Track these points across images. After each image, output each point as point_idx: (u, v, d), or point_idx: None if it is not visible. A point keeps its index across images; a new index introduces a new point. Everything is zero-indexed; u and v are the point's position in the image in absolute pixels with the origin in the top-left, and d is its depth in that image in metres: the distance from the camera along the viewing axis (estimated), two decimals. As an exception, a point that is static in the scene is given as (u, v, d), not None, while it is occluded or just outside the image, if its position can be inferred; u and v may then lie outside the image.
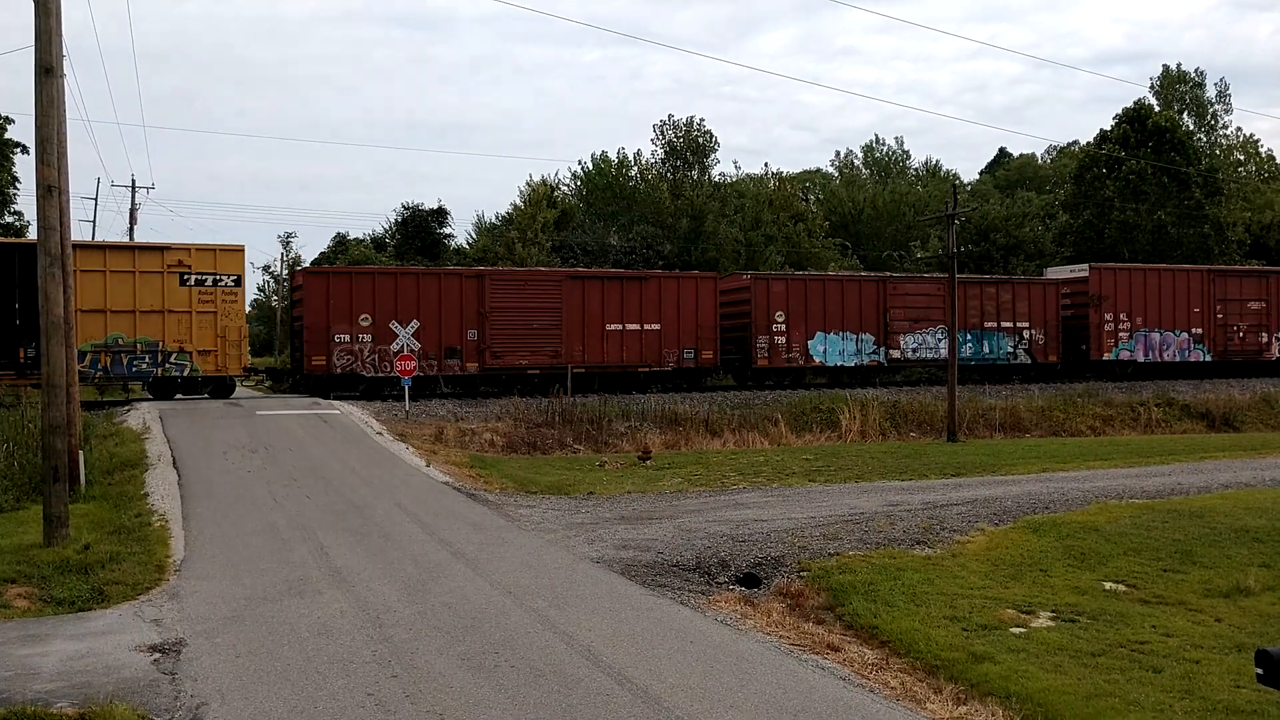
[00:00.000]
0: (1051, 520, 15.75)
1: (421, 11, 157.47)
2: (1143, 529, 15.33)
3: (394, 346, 30.69)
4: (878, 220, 63.56)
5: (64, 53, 14.16)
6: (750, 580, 12.70)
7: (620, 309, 33.20)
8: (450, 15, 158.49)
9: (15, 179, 39.94)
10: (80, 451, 17.31)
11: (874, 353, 36.54)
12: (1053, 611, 11.61)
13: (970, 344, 37.75)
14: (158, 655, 9.12)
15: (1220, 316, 41.43)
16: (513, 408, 28.63)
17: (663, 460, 23.51)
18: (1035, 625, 11.12)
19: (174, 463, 19.45)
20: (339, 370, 30.38)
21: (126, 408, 27.12)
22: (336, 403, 28.90)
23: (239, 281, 29.35)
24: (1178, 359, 40.79)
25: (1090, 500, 17.39)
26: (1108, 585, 12.87)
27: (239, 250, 29.81)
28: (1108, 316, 39.63)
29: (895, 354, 36.78)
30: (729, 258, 48.81)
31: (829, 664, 9.52)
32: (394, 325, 30.87)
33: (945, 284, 37.23)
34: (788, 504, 17.14)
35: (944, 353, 36.24)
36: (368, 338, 30.56)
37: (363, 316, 30.50)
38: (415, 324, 31.07)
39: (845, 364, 36.28)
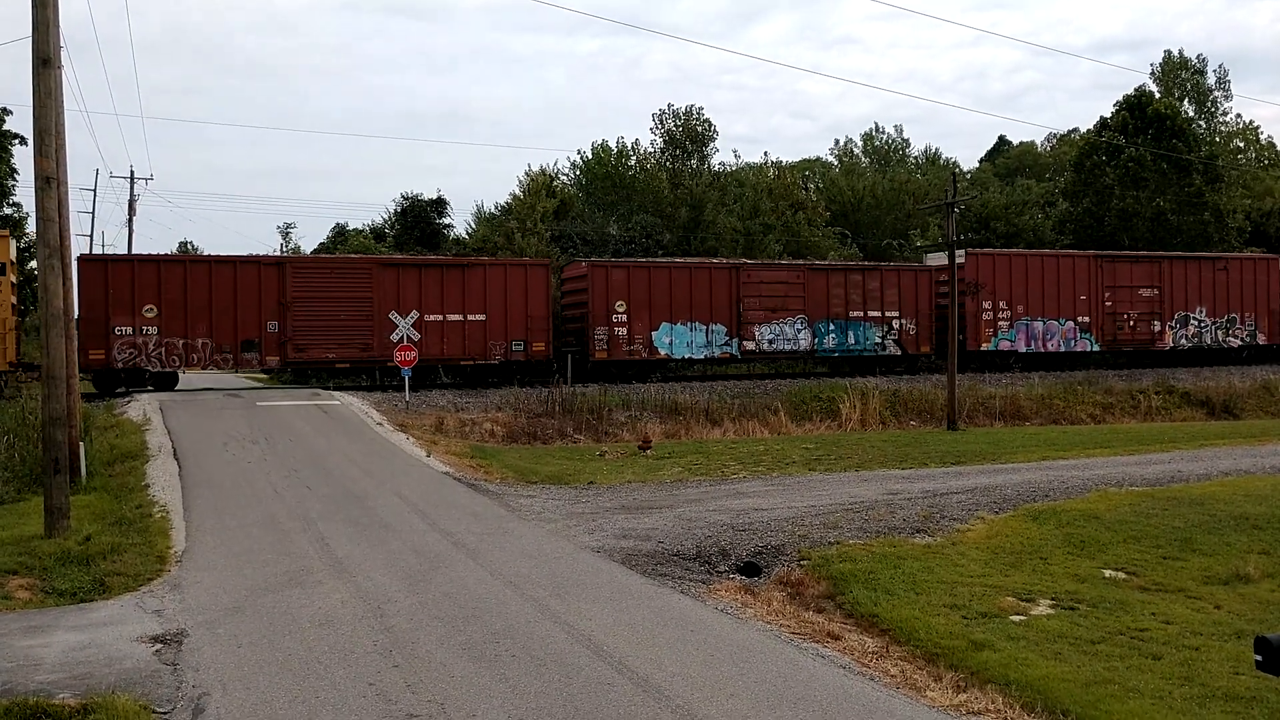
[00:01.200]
0: (1051, 508, 15.78)
1: (419, 1, 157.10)
2: (1142, 516, 15.35)
3: (394, 336, 30.61)
4: (877, 209, 63.43)
5: (61, 44, 14.14)
6: (751, 569, 12.72)
7: (440, 298, 31.35)
8: (448, 5, 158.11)
9: (14, 171, 39.84)
10: (81, 443, 17.33)
11: (726, 344, 34.44)
12: (1052, 599, 11.63)
13: (834, 334, 35.84)
14: (159, 646, 9.14)
15: (1109, 304, 39.25)
16: (513, 398, 28.67)
17: (663, 450, 23.53)
18: (1035, 613, 11.15)
19: (174, 454, 19.47)
20: (120, 364, 29.08)
21: (127, 399, 27.13)
22: (336, 393, 28.91)
23: (3, 270, 27.70)
24: (1063, 349, 38.75)
25: (1090, 488, 17.42)
26: (1107, 573, 12.90)
27: (3, 237, 28.42)
28: (986, 305, 37.38)
29: (749, 345, 34.69)
30: (728, 247, 48.74)
31: (829, 652, 9.54)
32: (394, 316, 30.79)
33: (804, 271, 36.03)
34: (788, 493, 17.17)
35: (803, 344, 35.26)
36: (153, 330, 29.29)
37: (147, 308, 29.23)
38: (414, 314, 30.96)
39: (694, 356, 34.42)
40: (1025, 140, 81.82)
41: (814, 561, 12.71)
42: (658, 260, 37.70)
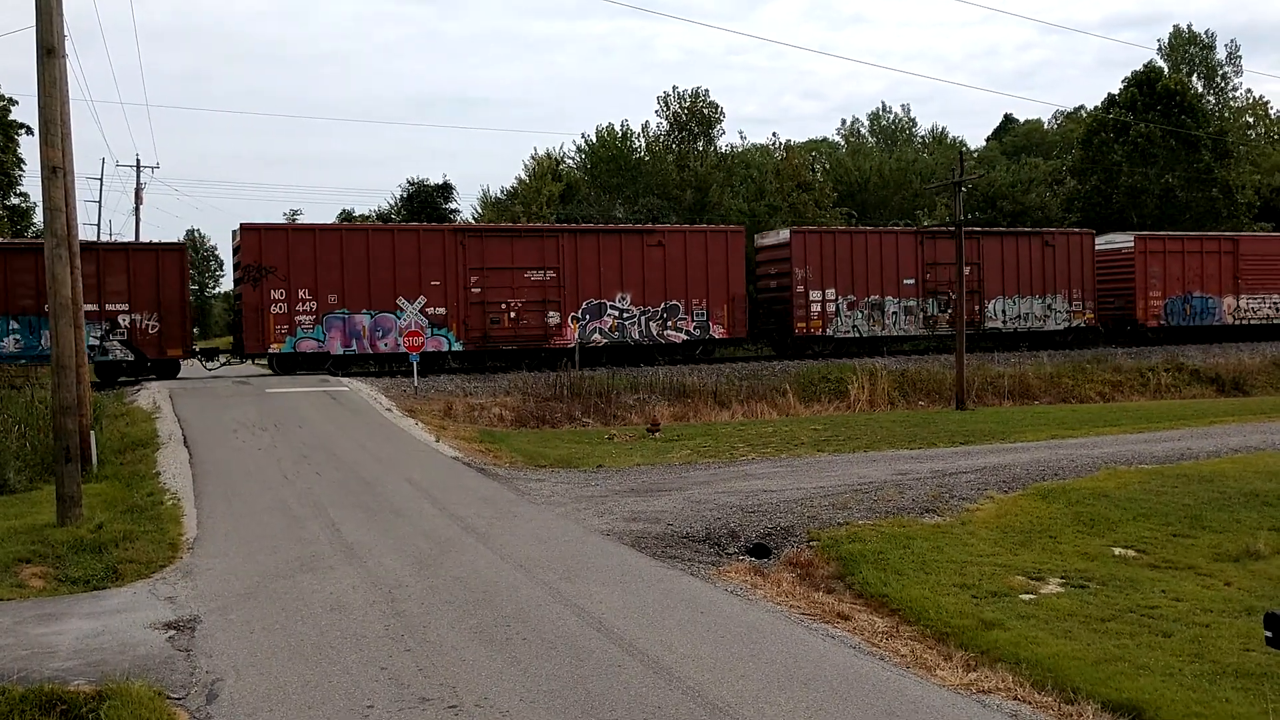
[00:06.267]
0: (1061, 487, 15.76)
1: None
2: (1152, 494, 15.34)
3: (402, 322, 30.58)
4: (884, 189, 63.26)
5: (66, 33, 14.12)
6: (760, 550, 12.75)
7: None
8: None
9: (20, 160, 39.95)
10: (91, 432, 17.38)
11: None
12: (1062, 577, 11.63)
13: (17, 335, 27.91)
14: (172, 632, 9.19)
15: (477, 291, 31.36)
16: (521, 382, 28.70)
17: (671, 432, 23.55)
18: (1045, 591, 11.15)
19: (185, 441, 19.53)
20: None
21: (137, 388, 27.21)
22: (345, 380, 28.95)
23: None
24: (401, 349, 30.12)
25: (1099, 466, 17.40)
26: (1117, 551, 12.89)
27: None
28: (278, 295, 29.57)
29: None
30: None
31: (839, 633, 9.56)
32: (401, 301, 30.76)
33: None
34: (796, 474, 17.17)
35: None
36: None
37: None
38: (422, 299, 30.91)
39: None
40: (1032, 118, 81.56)
41: (823, 542, 12.72)
42: None
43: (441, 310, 31.19)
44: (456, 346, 31.40)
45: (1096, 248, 40.08)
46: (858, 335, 36.09)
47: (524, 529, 13.12)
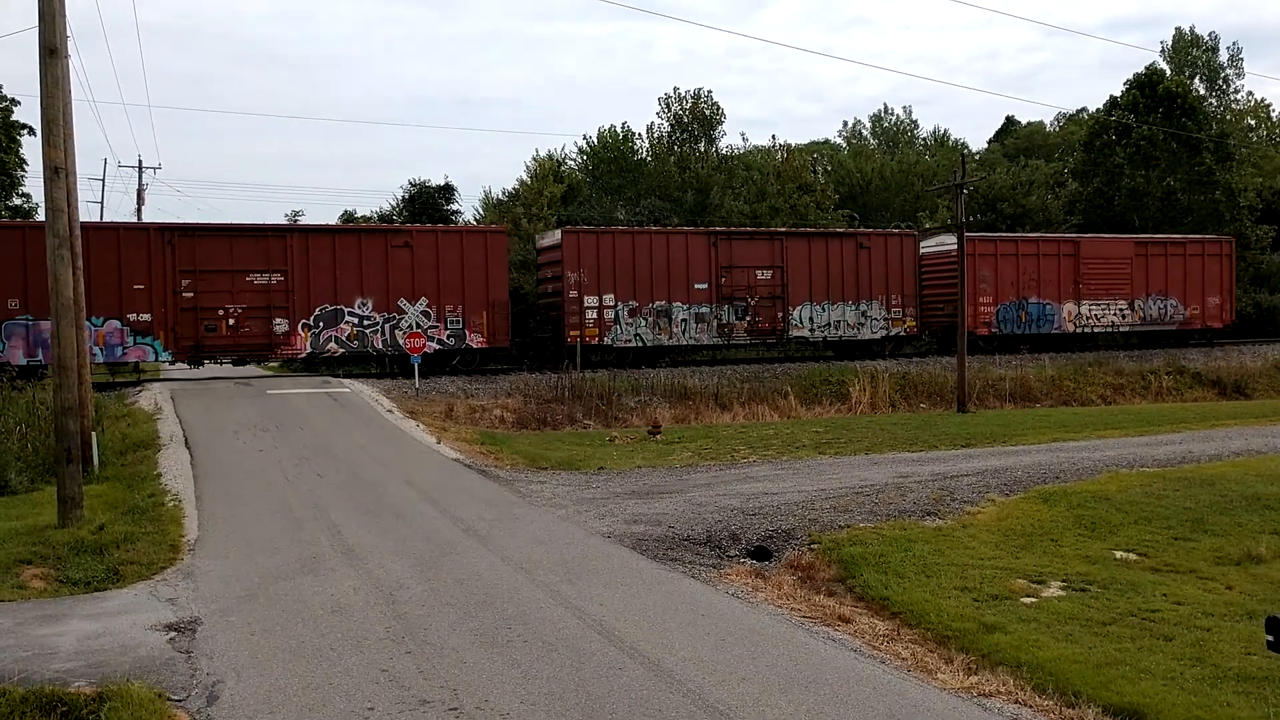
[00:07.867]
0: (1062, 490, 15.76)
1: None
2: (1153, 497, 15.33)
3: (404, 323, 30.51)
4: (886, 191, 63.26)
5: (68, 33, 14.13)
6: (761, 553, 12.75)
7: None
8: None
9: (23, 161, 39.95)
10: (93, 433, 17.39)
11: None
12: (1063, 581, 11.63)
13: None
14: (173, 634, 9.19)
15: (190, 296, 27.94)
16: (522, 384, 28.70)
17: (672, 434, 23.55)
18: (1046, 595, 11.15)
19: (186, 443, 19.53)
20: None
21: (138, 388, 27.21)
22: (347, 381, 28.95)
23: None
24: (101, 359, 27.26)
25: (1101, 469, 17.40)
26: (1118, 554, 12.89)
27: None
28: None
29: None
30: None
31: (840, 636, 9.55)
32: (402, 302, 30.70)
33: None
34: (798, 477, 17.17)
35: None
36: None
37: None
38: (424, 300, 30.83)
39: None
40: (1034, 120, 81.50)
41: (824, 545, 12.72)
42: None
43: (146, 317, 27.67)
44: (165, 357, 28.34)
45: (922, 250, 37.21)
46: (640, 344, 32.70)
47: (525, 531, 13.12)
